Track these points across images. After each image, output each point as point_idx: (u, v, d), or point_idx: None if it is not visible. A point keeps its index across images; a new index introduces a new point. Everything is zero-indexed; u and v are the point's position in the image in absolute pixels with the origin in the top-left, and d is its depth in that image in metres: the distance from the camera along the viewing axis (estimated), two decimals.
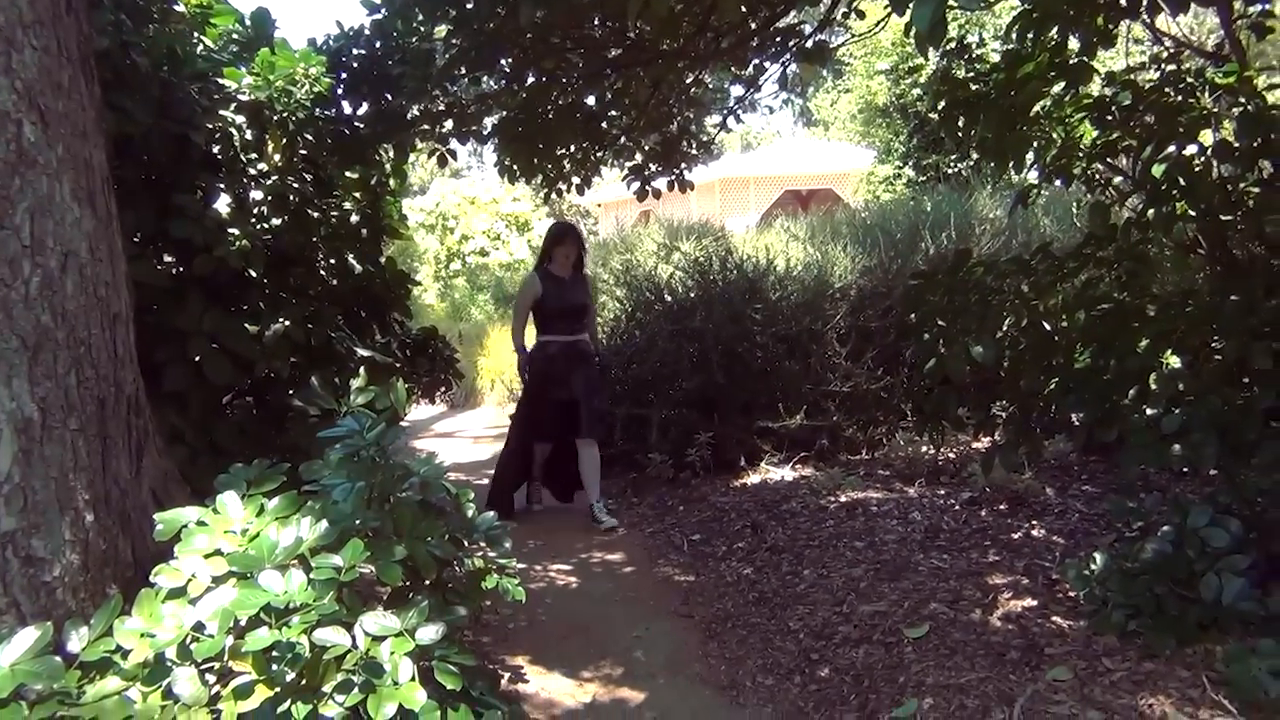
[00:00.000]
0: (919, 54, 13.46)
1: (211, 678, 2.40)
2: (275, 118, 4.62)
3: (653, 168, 6.96)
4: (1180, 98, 3.72)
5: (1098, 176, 4.30)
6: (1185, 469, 4.50)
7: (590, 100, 6.43)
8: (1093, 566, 3.68)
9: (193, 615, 2.42)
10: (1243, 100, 3.47)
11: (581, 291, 6.23)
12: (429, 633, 2.56)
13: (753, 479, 6.51)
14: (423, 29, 5.57)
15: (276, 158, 4.66)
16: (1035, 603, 3.90)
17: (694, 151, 7.15)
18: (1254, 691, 2.85)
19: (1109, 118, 3.97)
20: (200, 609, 2.42)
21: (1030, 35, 3.89)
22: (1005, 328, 4.10)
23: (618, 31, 5.87)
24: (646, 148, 6.98)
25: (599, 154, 6.82)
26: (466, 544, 3.22)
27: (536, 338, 6.22)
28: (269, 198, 4.50)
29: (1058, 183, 4.42)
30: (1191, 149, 3.60)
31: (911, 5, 2.38)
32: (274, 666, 2.33)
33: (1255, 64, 4.24)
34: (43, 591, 2.54)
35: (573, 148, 6.59)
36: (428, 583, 2.93)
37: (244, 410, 4.53)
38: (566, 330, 6.12)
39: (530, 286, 6.20)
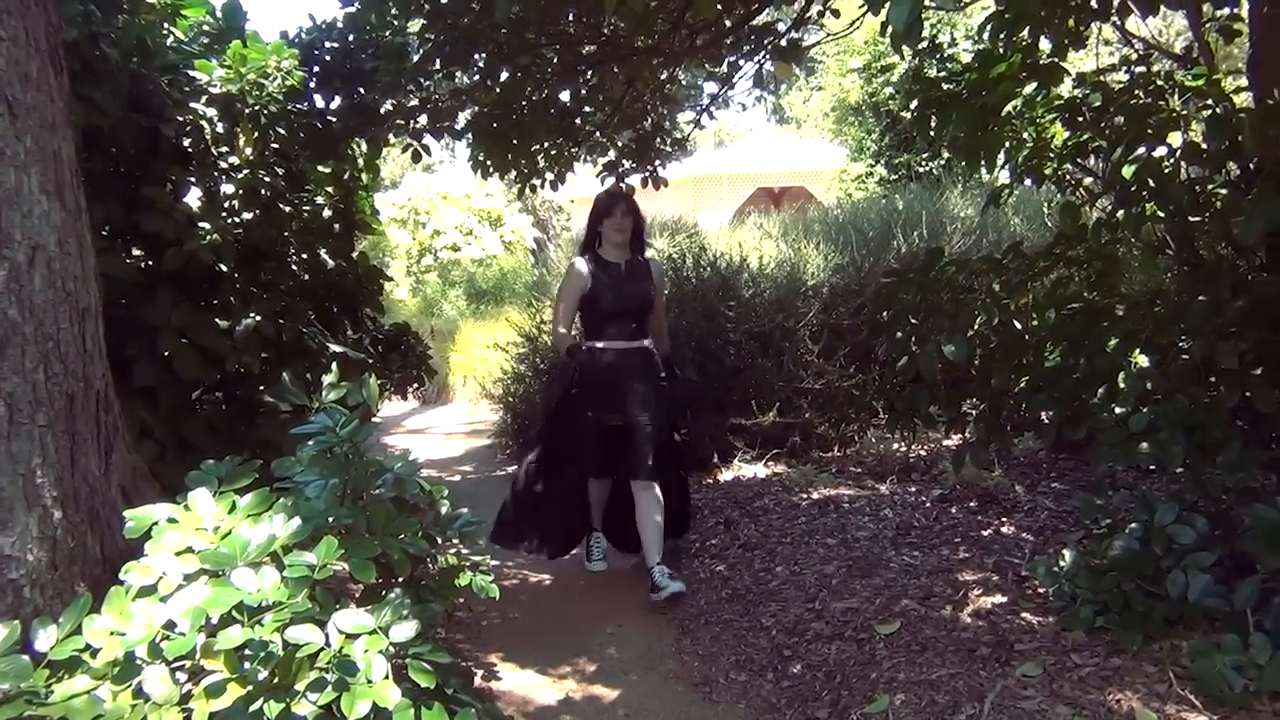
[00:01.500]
0: (893, 53, 13.54)
1: (183, 676, 2.37)
2: (247, 111, 4.57)
3: (627, 164, 6.96)
4: (1150, 100, 3.76)
5: (1068, 177, 4.35)
6: (1153, 467, 4.56)
7: (565, 96, 6.42)
8: (1061, 563, 3.72)
9: (164, 613, 2.40)
10: (1211, 103, 3.51)
11: (643, 281, 4.87)
12: (403, 630, 2.54)
13: (725, 476, 6.53)
14: (397, 23, 5.54)
15: (248, 151, 4.61)
16: (1005, 599, 3.94)
17: (668, 148, 7.15)
18: (1219, 686, 2.89)
19: (1080, 119, 4.01)
20: (171, 607, 2.40)
21: (1002, 36, 3.92)
22: (976, 326, 4.13)
23: (592, 28, 5.87)
24: (621, 144, 6.98)
25: (573, 150, 6.80)
26: (440, 541, 3.21)
27: (584, 343, 4.91)
28: (240, 191, 4.45)
29: (1028, 182, 4.46)
30: (1161, 151, 3.64)
31: (888, 5, 2.40)
32: (246, 665, 2.30)
33: (1223, 67, 4.29)
34: (9, 589, 2.51)
35: (547, 144, 6.57)
36: (401, 580, 2.91)
37: (214, 406, 4.49)
38: (624, 334, 4.78)
39: (575, 277, 4.82)
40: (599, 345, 4.79)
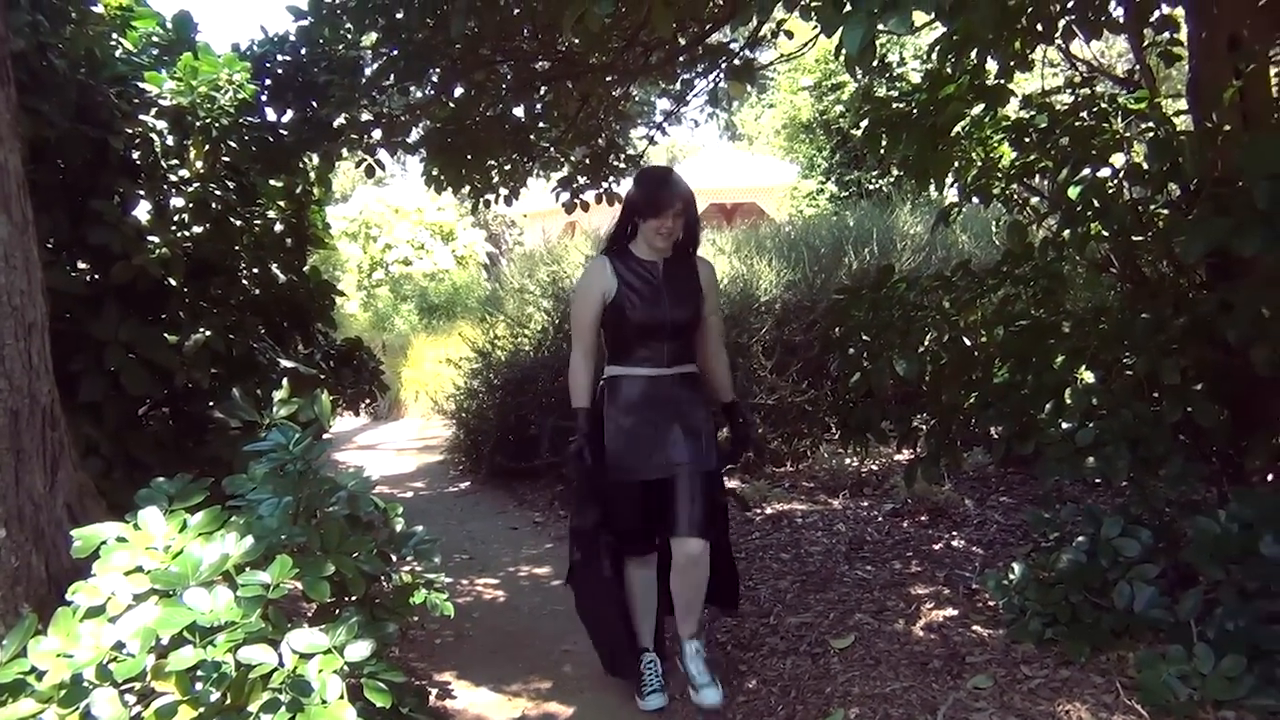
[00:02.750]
0: (844, 72, 13.72)
1: (132, 699, 2.33)
2: (198, 124, 4.53)
3: (581, 180, 6.97)
4: (1094, 122, 3.85)
5: (1016, 197, 4.43)
6: (1099, 481, 4.65)
7: (519, 112, 6.42)
8: (1011, 576, 3.78)
9: (112, 634, 2.36)
10: (1152, 125, 3.61)
11: (688, 289, 3.65)
12: (358, 650, 2.52)
13: None
14: (350, 37, 5.51)
15: (199, 164, 4.56)
16: (956, 612, 3.99)
17: (622, 165, 7.18)
18: (1164, 696, 2.95)
19: (1026, 140, 4.09)
20: (120, 628, 2.36)
21: (951, 57, 4.00)
22: (927, 343, 4.19)
23: (547, 44, 5.88)
24: (575, 160, 6.99)
25: (527, 166, 6.80)
26: (394, 559, 3.19)
27: (605, 370, 3.70)
28: (190, 205, 4.40)
29: (976, 201, 4.54)
30: (1105, 172, 3.73)
31: (842, 29, 2.43)
32: (198, 686, 2.27)
33: (1164, 90, 4.40)
34: None
35: (501, 159, 6.56)
36: (355, 599, 2.89)
37: (161, 422, 4.42)
38: (661, 357, 3.58)
39: (594, 282, 3.61)
40: (627, 373, 3.59)
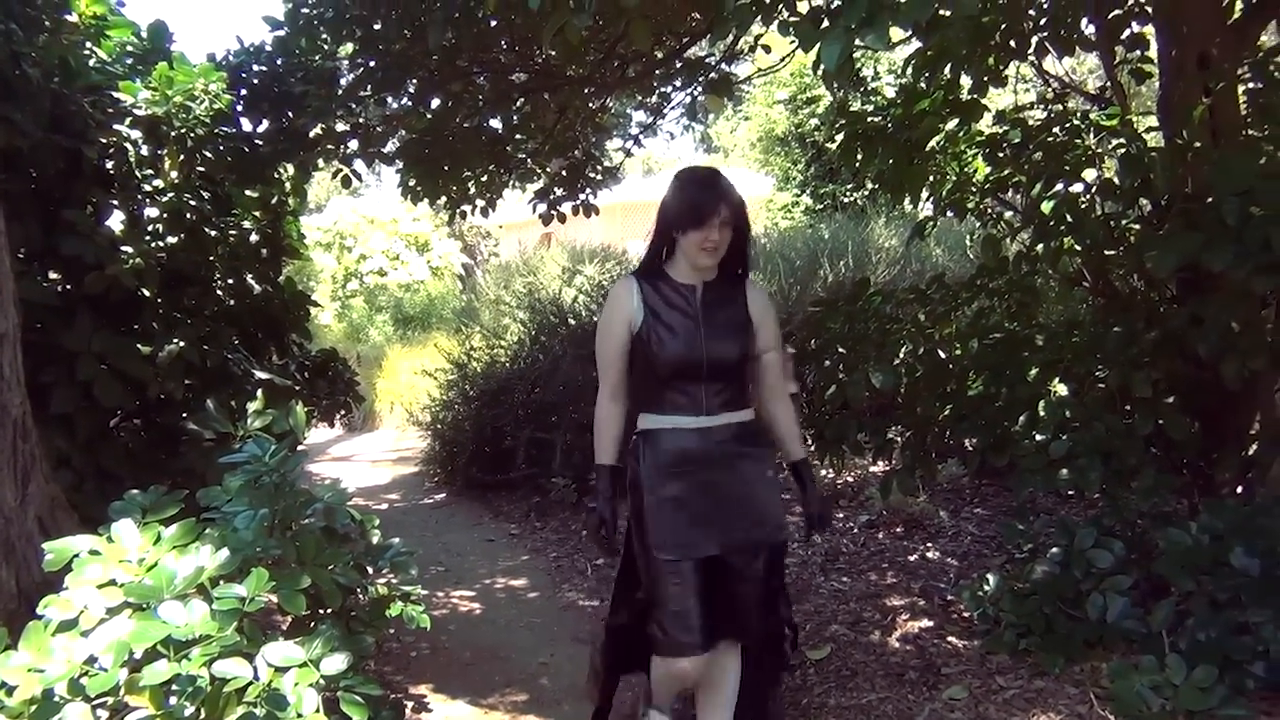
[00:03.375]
0: (822, 87, 13.81)
1: (105, 714, 2.30)
2: (173, 133, 4.50)
3: (558, 191, 6.98)
4: (1066, 137, 3.90)
5: (990, 211, 4.48)
6: (1072, 492, 4.69)
7: (496, 123, 6.43)
8: (985, 587, 3.80)
9: (85, 648, 2.33)
10: (1124, 141, 3.66)
11: (733, 319, 2.90)
12: (334, 663, 2.50)
13: None
14: (327, 47, 5.50)
15: (173, 174, 4.53)
16: (931, 623, 4.01)
17: (598, 176, 7.19)
18: (1137, 706, 2.98)
19: (1000, 155, 4.14)
20: (93, 641, 2.33)
21: (926, 73, 4.05)
22: (902, 355, 4.22)
23: (525, 56, 5.90)
24: (551, 172, 7.00)
25: (504, 177, 6.81)
26: (371, 571, 3.17)
27: (640, 420, 2.94)
28: (165, 215, 4.38)
29: (951, 215, 4.58)
30: (1077, 187, 3.78)
31: (820, 44, 2.46)
32: (172, 700, 2.25)
33: (1135, 107, 4.47)
34: None
35: (478, 170, 6.56)
36: (330, 611, 2.87)
37: (133, 434, 4.38)
38: (697, 404, 2.84)
39: (617, 311, 2.89)
40: (665, 424, 2.83)
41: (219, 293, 4.88)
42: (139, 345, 4.11)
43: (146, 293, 4.16)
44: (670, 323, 2.82)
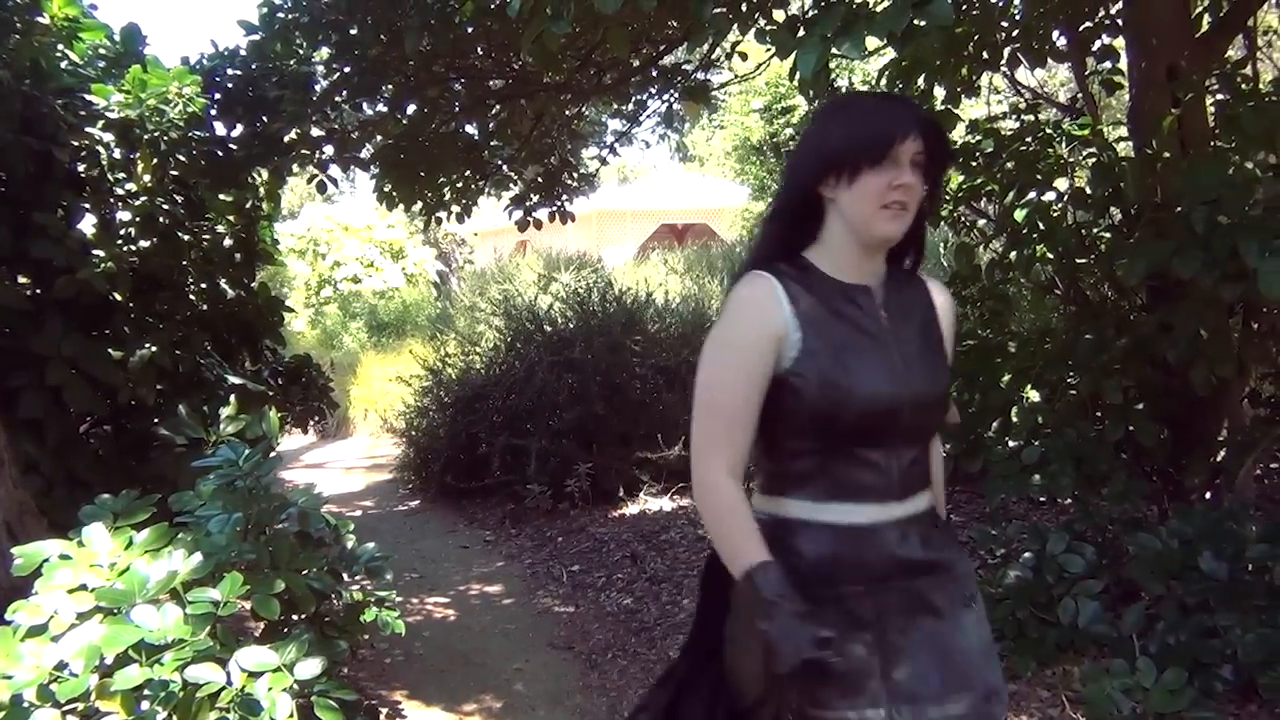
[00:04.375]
0: (798, 95, 13.88)
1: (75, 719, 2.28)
2: (146, 137, 4.46)
3: (534, 198, 6.98)
4: (1038, 147, 3.95)
5: (963, 219, 4.52)
6: (1044, 498, 4.73)
7: (472, 130, 6.42)
8: None
9: (55, 653, 2.31)
10: (1095, 151, 3.71)
11: (928, 338, 1.81)
12: (308, 668, 2.49)
13: (631, 509, 6.54)
14: (303, 52, 5.47)
15: (146, 178, 4.50)
16: None
17: (574, 183, 7.20)
18: (1108, 709, 3.00)
19: (973, 164, 4.18)
20: (63, 647, 2.31)
21: (900, 82, 4.08)
22: None
23: (501, 63, 5.90)
24: (527, 179, 7.00)
25: (480, 183, 6.79)
26: (345, 576, 3.15)
27: (757, 506, 1.76)
28: (137, 219, 4.35)
29: None
30: (1049, 195, 3.83)
31: (796, 53, 2.48)
32: (144, 705, 2.23)
33: (1105, 117, 4.53)
34: None
35: (454, 176, 6.55)
36: (304, 616, 2.86)
37: (103, 439, 4.34)
38: (884, 484, 1.69)
39: (752, 327, 1.69)
40: (822, 519, 1.70)
41: (192, 297, 4.85)
42: (110, 350, 4.07)
43: (118, 297, 4.13)
44: (853, 344, 1.70)
